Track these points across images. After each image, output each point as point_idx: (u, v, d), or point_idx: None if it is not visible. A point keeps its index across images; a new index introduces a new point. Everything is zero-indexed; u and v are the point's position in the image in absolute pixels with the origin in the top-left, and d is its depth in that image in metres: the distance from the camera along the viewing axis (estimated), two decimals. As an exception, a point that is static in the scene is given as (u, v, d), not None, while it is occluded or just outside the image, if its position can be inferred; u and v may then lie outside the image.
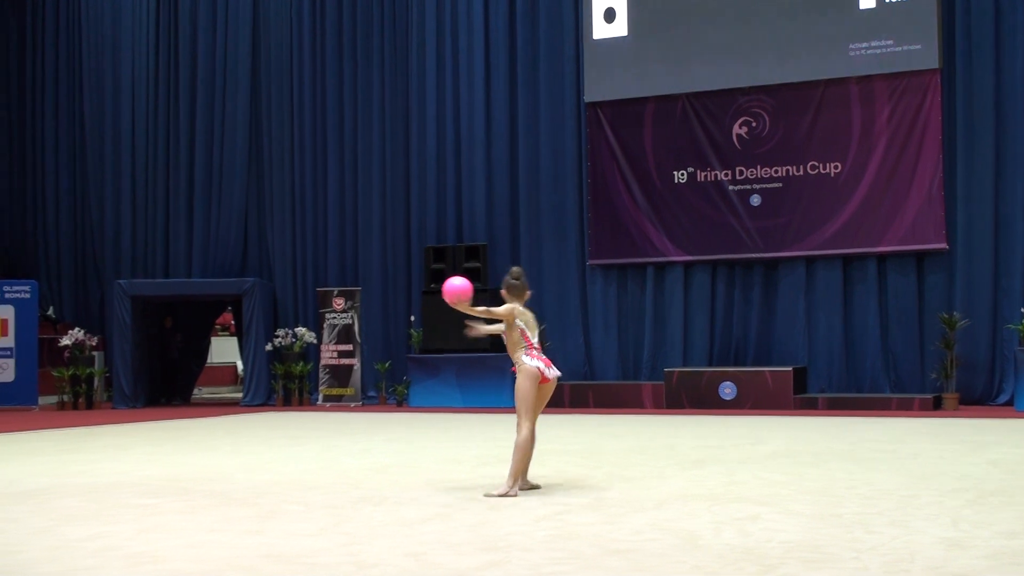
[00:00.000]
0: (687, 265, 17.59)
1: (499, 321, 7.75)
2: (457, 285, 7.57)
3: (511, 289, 7.76)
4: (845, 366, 16.61)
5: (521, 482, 7.60)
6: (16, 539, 6.21)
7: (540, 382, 7.56)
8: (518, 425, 7.54)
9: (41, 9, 22.82)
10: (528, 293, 7.83)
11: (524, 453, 7.53)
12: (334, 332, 19.10)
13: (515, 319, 7.61)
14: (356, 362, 19.06)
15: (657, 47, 17.78)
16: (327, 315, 19.17)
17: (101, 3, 22.13)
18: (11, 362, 19.29)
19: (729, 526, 6.15)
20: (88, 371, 19.50)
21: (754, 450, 10.36)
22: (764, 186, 17.07)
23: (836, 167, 16.67)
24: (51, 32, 22.71)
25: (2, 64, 23.13)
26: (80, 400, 19.33)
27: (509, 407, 17.05)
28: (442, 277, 18.08)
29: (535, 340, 7.66)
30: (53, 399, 19.65)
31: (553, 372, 7.63)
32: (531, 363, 7.55)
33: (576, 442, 11.45)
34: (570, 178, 18.43)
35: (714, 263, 17.45)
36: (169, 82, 21.51)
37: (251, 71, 20.87)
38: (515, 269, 7.97)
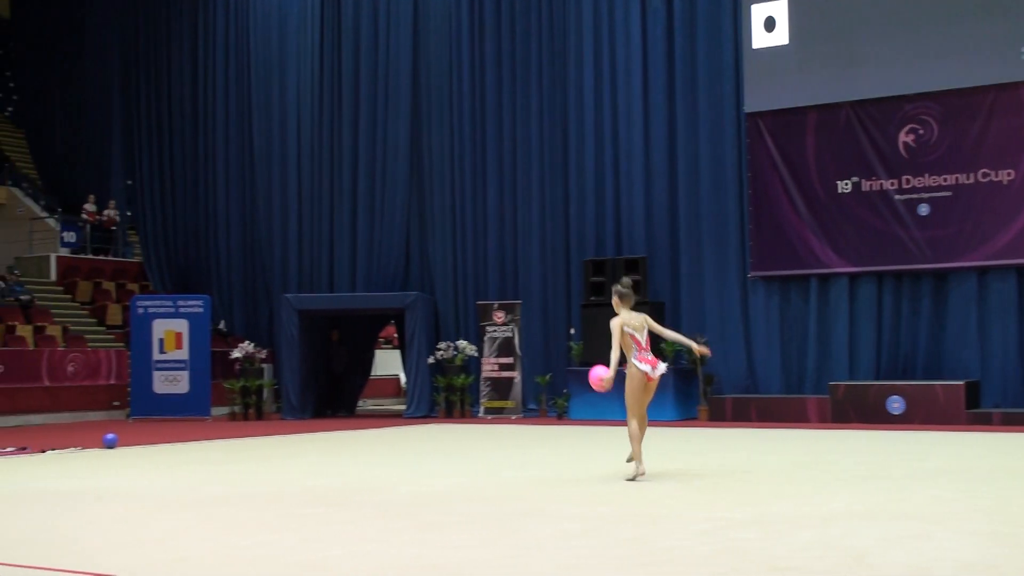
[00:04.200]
0: (852, 277, 17.20)
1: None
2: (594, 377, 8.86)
3: (622, 297, 8.92)
4: (1021, 380, 15.99)
5: (638, 465, 8.92)
6: (184, 544, 6.40)
7: (646, 381, 8.82)
8: (628, 419, 8.89)
9: (212, 35, 23.63)
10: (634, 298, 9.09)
11: (636, 440, 8.89)
12: (495, 345, 19.23)
13: (624, 328, 8.75)
14: (517, 375, 19.15)
15: (819, 55, 17.45)
16: (488, 328, 19.31)
17: (268, 29, 22.79)
18: (185, 374, 19.98)
19: (898, 544, 5.97)
20: (257, 383, 20.06)
21: (923, 466, 10.05)
22: (933, 195, 16.58)
23: (1009, 174, 16.10)
24: (221, 58, 23.50)
25: (176, 91, 24.02)
26: (250, 411, 19.90)
27: (672, 420, 16.97)
28: (602, 290, 18.14)
29: (643, 340, 8.81)
30: (225, 410, 20.28)
31: (659, 371, 8.79)
32: (640, 367, 8.78)
33: (738, 457, 11.27)
34: (730, 189, 18.20)
35: (880, 274, 17.02)
36: (332, 103, 22.01)
37: (412, 89, 21.19)
38: (625, 279, 9.14)
